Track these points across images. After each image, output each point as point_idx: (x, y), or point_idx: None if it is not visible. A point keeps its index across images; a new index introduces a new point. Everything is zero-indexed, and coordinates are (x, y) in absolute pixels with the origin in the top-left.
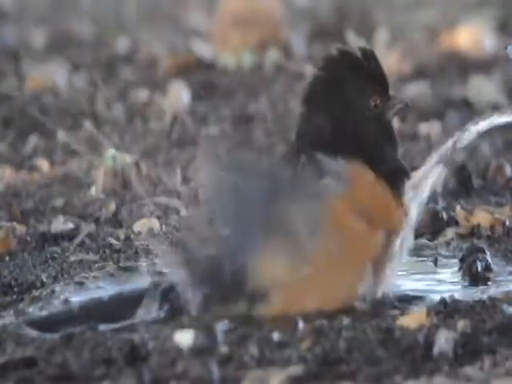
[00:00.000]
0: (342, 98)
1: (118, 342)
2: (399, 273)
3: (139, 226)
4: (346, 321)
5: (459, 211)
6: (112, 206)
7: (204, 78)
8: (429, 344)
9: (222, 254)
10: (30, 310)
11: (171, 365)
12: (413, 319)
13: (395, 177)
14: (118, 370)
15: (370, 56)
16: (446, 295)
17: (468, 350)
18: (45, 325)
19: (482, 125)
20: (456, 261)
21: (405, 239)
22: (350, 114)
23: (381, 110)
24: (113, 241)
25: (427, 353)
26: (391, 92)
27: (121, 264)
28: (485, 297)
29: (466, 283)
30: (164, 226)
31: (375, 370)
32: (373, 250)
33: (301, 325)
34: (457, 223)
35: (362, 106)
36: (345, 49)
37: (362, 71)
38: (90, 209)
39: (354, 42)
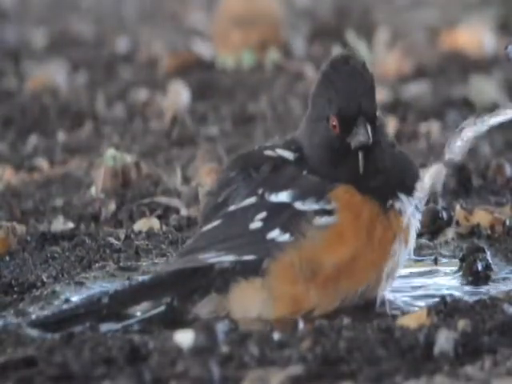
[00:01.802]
0: (314, 111)
1: (119, 342)
2: (399, 272)
3: (139, 225)
4: (346, 321)
5: (459, 211)
6: (112, 206)
7: (204, 78)
8: (429, 344)
9: None
10: (31, 309)
11: (171, 364)
12: (413, 319)
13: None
14: (119, 370)
15: (347, 75)
16: (447, 295)
17: (468, 350)
18: None
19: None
20: (456, 260)
21: (403, 245)
22: (316, 126)
23: (339, 134)
24: (113, 240)
25: (427, 352)
26: (361, 123)
27: (121, 264)
28: (485, 296)
29: (467, 282)
30: (164, 226)
31: (375, 370)
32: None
33: (301, 325)
34: (457, 223)
35: (324, 123)
36: (332, 61)
37: (333, 89)
38: (89, 208)
39: (356, 46)
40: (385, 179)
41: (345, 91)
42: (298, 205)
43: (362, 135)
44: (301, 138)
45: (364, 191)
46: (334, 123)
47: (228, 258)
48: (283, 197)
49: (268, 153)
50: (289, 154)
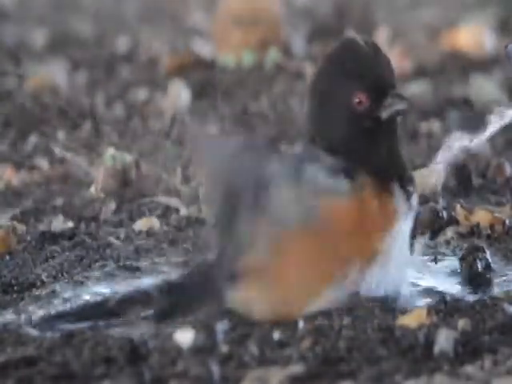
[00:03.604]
0: (327, 94)
1: (119, 341)
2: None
3: (139, 225)
4: (346, 320)
5: (459, 210)
6: (112, 205)
7: (204, 77)
8: (429, 343)
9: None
10: (30, 309)
11: (171, 364)
12: (413, 318)
13: (383, 178)
14: (119, 369)
15: (365, 51)
16: (446, 294)
17: (468, 349)
18: None
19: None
20: (456, 260)
21: (400, 238)
22: (332, 110)
23: (368, 109)
24: (113, 240)
25: (427, 352)
26: (393, 91)
27: (121, 263)
28: (485, 296)
29: (466, 282)
30: (164, 226)
31: (375, 370)
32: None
33: (301, 324)
34: (457, 222)
35: (343, 103)
36: (342, 42)
37: (351, 65)
38: (90, 208)
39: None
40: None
41: (373, 65)
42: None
43: (399, 103)
44: (309, 138)
45: (379, 172)
46: (359, 99)
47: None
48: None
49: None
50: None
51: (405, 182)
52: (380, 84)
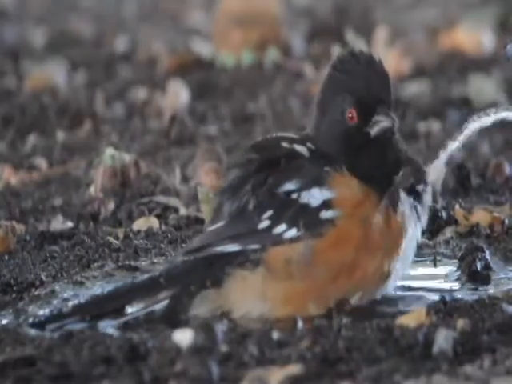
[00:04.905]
0: (327, 108)
1: (118, 341)
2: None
3: (138, 224)
4: (345, 320)
5: (458, 210)
6: (111, 205)
7: (203, 77)
8: (428, 343)
9: None
10: (30, 308)
11: (170, 364)
12: (412, 318)
13: (380, 184)
14: (118, 369)
15: (356, 67)
16: (446, 294)
17: (467, 349)
18: None
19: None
20: (455, 260)
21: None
22: (330, 123)
23: (357, 125)
24: (112, 240)
25: (427, 352)
26: (381, 107)
27: (120, 263)
28: (484, 295)
29: (466, 282)
30: (163, 225)
31: (374, 369)
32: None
33: (300, 324)
34: (456, 222)
35: (339, 117)
36: (339, 57)
37: (345, 82)
38: (89, 208)
39: (356, 45)
40: (396, 172)
41: (362, 81)
42: (304, 195)
43: (385, 121)
44: (314, 135)
45: (372, 181)
46: (351, 115)
47: (233, 248)
48: (290, 186)
49: (284, 145)
50: (303, 149)
51: (414, 186)
52: (368, 100)
